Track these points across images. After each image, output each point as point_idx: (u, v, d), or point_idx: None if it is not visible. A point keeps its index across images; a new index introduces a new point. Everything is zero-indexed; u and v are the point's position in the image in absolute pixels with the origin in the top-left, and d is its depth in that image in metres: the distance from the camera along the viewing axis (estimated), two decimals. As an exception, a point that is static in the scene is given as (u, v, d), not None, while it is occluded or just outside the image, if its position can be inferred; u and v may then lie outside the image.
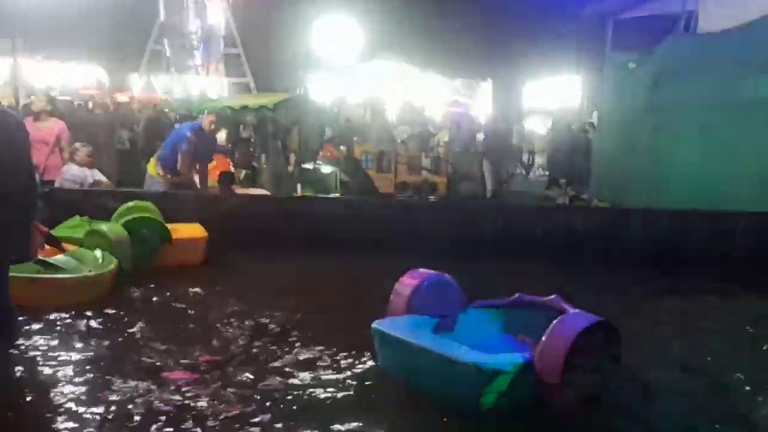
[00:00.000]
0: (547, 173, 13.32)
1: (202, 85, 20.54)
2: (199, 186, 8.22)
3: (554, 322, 3.67)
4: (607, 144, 11.04)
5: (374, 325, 4.05)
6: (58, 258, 5.57)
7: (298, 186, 9.31)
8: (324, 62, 18.81)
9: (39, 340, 4.52)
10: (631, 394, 3.96)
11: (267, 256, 6.94)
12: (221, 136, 11.39)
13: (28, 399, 3.75)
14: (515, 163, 13.85)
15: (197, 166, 8.31)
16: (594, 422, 3.65)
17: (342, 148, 12.08)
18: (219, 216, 7.38)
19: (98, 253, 5.85)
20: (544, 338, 3.60)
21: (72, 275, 5.39)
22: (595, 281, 6.38)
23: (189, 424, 3.44)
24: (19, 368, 4.13)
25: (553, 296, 4.22)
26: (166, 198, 7.56)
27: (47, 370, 4.05)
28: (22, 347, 4.38)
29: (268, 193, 9.17)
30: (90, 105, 15.07)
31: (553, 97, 20.46)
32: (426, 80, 15.97)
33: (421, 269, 4.49)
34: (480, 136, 13.01)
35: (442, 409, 3.63)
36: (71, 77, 20.47)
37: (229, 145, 11.07)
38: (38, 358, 4.25)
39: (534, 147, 15.85)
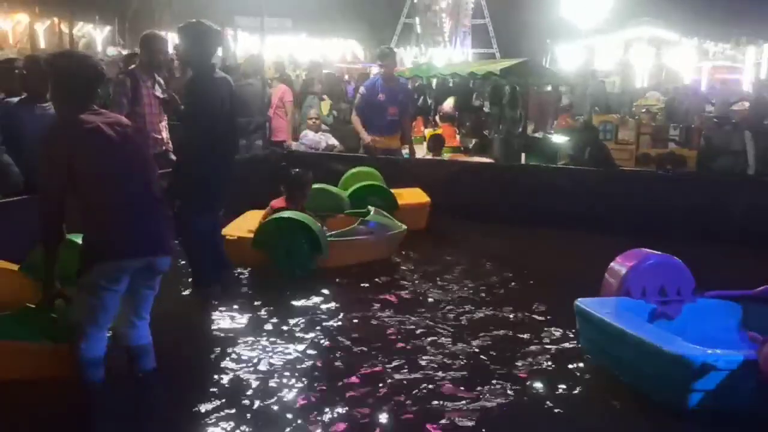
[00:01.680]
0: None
1: (447, 56, 20.77)
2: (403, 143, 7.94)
3: None
4: None
5: (578, 303, 3.73)
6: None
7: (522, 155, 8.91)
8: (572, 28, 17.85)
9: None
10: None
11: (483, 224, 6.80)
12: (449, 102, 11.35)
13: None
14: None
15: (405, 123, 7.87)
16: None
17: (578, 118, 11.36)
18: (434, 181, 7.30)
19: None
20: None
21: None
22: None
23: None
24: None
25: None
26: (387, 163, 7.67)
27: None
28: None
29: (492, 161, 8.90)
30: (346, 77, 16.08)
31: None
32: (683, 47, 14.36)
33: (644, 249, 4.01)
34: (745, 105, 11.37)
35: (643, 404, 3.27)
36: (331, 52, 22.05)
37: (456, 114, 10.97)
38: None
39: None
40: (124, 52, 14.35)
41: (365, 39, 22.37)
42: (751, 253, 5.70)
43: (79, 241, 3.76)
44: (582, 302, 3.69)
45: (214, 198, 4.59)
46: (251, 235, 5.18)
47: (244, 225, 5.48)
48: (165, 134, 5.79)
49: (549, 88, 11.97)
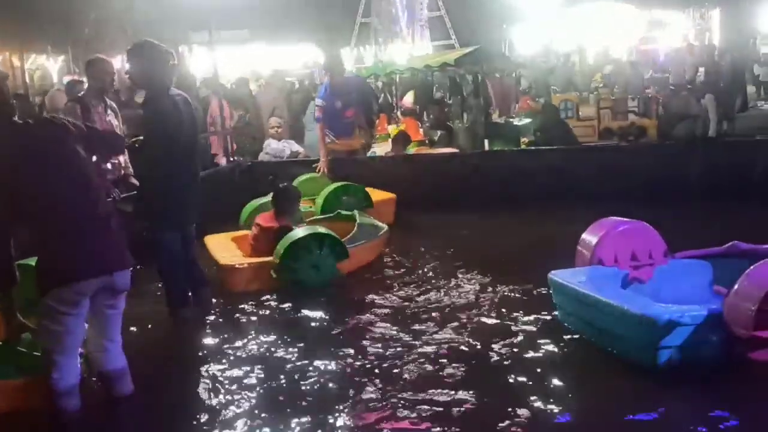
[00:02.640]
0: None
1: (407, 51, 20.78)
2: (365, 141, 7.98)
3: (750, 268, 3.16)
4: None
5: (551, 275, 3.84)
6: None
7: (485, 141, 8.98)
8: (526, 12, 18.01)
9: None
10: None
11: (455, 212, 6.85)
12: (409, 97, 11.39)
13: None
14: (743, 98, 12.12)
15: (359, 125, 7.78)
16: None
17: (540, 99, 11.47)
18: (400, 177, 7.35)
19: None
20: (735, 286, 3.13)
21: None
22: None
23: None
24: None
25: None
26: (354, 162, 7.68)
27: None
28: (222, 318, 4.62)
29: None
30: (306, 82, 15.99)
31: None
32: (639, 20, 14.54)
33: (612, 218, 4.10)
34: (700, 71, 11.60)
35: (621, 366, 3.35)
36: (292, 59, 21.97)
37: (417, 108, 11.02)
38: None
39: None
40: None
41: (324, 42, 22.33)
42: (717, 209, 5.83)
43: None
44: (555, 274, 3.77)
45: (184, 214, 4.51)
46: (247, 261, 5.09)
47: (225, 252, 5.29)
48: (122, 158, 5.72)
49: (510, 73, 12.04)
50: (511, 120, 9.93)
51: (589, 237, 3.95)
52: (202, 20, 11.04)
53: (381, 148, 9.10)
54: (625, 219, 4.02)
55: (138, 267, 3.51)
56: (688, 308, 3.18)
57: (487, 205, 6.91)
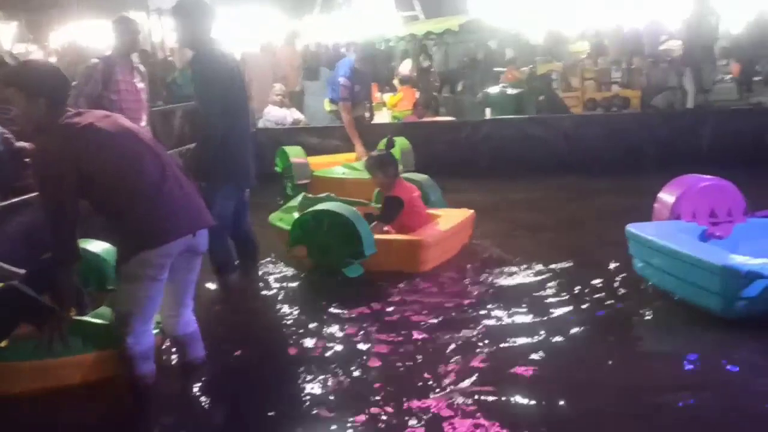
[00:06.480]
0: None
1: (376, 20, 20.70)
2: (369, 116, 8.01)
3: None
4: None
5: (629, 228, 3.95)
6: None
7: (487, 110, 9.15)
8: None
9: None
10: None
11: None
12: (406, 65, 11.45)
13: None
14: (718, 69, 12.63)
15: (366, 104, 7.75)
16: None
17: (524, 69, 11.68)
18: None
19: None
20: None
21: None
22: None
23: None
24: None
25: None
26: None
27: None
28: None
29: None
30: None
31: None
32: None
33: (693, 175, 4.22)
34: (674, 43, 11.99)
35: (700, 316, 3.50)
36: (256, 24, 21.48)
37: (415, 74, 11.10)
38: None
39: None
40: (34, 47, 13.62)
41: (288, 8, 21.93)
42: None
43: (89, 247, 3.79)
44: (633, 227, 3.92)
45: (241, 173, 4.45)
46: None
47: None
48: (143, 125, 5.52)
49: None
50: (504, 89, 10.11)
51: (668, 193, 4.10)
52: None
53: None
54: (705, 176, 4.16)
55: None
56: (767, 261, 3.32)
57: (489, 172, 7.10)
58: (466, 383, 3.07)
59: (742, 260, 3.37)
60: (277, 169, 6.75)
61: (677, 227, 3.88)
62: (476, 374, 3.14)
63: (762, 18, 12.92)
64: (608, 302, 3.87)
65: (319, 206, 4.59)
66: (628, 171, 6.70)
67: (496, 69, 11.07)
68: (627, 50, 11.82)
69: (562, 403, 2.88)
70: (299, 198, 5.24)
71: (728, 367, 3.11)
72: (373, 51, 7.75)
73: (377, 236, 4.43)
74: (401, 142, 6.80)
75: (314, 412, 2.93)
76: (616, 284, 4.09)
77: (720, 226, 3.96)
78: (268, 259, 4.95)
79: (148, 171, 3.02)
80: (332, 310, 4.01)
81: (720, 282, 3.36)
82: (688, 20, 11.32)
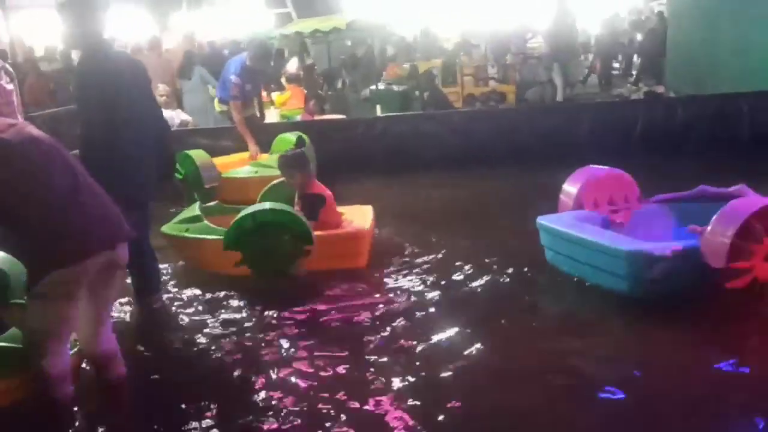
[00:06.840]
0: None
1: (248, 18, 20.36)
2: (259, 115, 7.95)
3: (725, 205, 3.53)
4: (682, 35, 10.71)
5: (539, 220, 4.23)
6: None
7: (378, 107, 9.33)
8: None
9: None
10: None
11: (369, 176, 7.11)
12: (293, 64, 11.41)
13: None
14: (582, 64, 13.61)
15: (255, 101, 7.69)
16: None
17: (405, 65, 12.00)
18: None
19: None
20: (710, 224, 3.48)
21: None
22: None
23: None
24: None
25: (739, 185, 4.07)
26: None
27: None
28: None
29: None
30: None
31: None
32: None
33: (591, 166, 4.50)
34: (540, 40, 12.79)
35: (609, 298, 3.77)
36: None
37: (301, 73, 11.09)
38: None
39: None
40: None
41: (154, 7, 21.06)
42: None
43: None
44: (543, 219, 4.22)
45: (131, 192, 3.83)
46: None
47: None
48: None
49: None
50: (390, 86, 10.34)
51: (571, 185, 4.41)
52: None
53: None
54: (602, 167, 4.50)
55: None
56: (670, 243, 3.62)
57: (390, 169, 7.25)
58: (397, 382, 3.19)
59: (643, 244, 3.68)
60: (178, 175, 6.47)
61: (582, 217, 4.19)
62: (412, 371, 3.27)
63: (617, 17, 14.09)
64: (525, 293, 4.12)
65: (252, 209, 4.41)
66: (516, 163, 7.07)
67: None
68: (500, 47, 12.42)
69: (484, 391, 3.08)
70: (196, 206, 5.08)
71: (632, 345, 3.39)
72: (268, 49, 7.60)
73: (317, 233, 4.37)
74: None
75: (245, 421, 2.97)
76: (528, 273, 4.33)
77: (619, 213, 4.30)
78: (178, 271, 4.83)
79: (58, 183, 2.80)
80: (268, 313, 4.04)
81: (626, 265, 3.64)
82: (552, 20, 12.08)
